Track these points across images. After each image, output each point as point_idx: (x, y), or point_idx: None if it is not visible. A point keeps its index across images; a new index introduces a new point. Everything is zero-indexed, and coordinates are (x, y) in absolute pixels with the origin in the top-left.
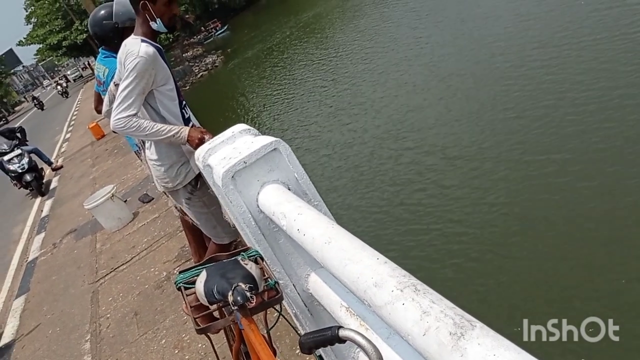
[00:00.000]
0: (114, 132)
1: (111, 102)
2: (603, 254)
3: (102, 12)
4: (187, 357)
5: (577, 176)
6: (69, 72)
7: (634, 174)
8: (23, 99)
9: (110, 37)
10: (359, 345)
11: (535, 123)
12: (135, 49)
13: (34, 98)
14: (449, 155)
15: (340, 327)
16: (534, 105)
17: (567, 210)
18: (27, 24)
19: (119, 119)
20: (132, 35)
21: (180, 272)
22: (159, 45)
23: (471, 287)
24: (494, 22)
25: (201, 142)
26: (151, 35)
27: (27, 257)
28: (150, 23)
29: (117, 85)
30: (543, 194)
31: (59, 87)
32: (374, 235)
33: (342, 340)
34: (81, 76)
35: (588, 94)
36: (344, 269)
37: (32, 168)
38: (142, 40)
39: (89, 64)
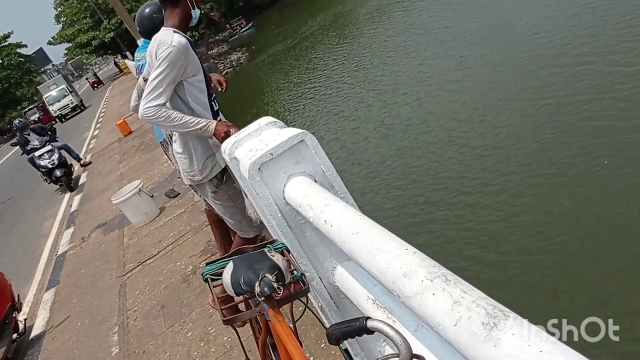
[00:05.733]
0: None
1: (139, 96)
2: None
3: (149, 8)
4: (212, 349)
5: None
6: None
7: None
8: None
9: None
10: (387, 336)
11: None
12: (168, 39)
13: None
14: (470, 147)
15: (368, 317)
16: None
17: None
18: (57, 24)
19: (148, 107)
20: (163, 28)
21: (207, 264)
22: (189, 37)
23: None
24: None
25: (227, 135)
26: (182, 28)
27: (57, 251)
28: (192, 12)
29: (146, 80)
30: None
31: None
32: (401, 227)
33: (369, 331)
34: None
35: None
36: (372, 260)
37: (62, 164)
38: (174, 31)
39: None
